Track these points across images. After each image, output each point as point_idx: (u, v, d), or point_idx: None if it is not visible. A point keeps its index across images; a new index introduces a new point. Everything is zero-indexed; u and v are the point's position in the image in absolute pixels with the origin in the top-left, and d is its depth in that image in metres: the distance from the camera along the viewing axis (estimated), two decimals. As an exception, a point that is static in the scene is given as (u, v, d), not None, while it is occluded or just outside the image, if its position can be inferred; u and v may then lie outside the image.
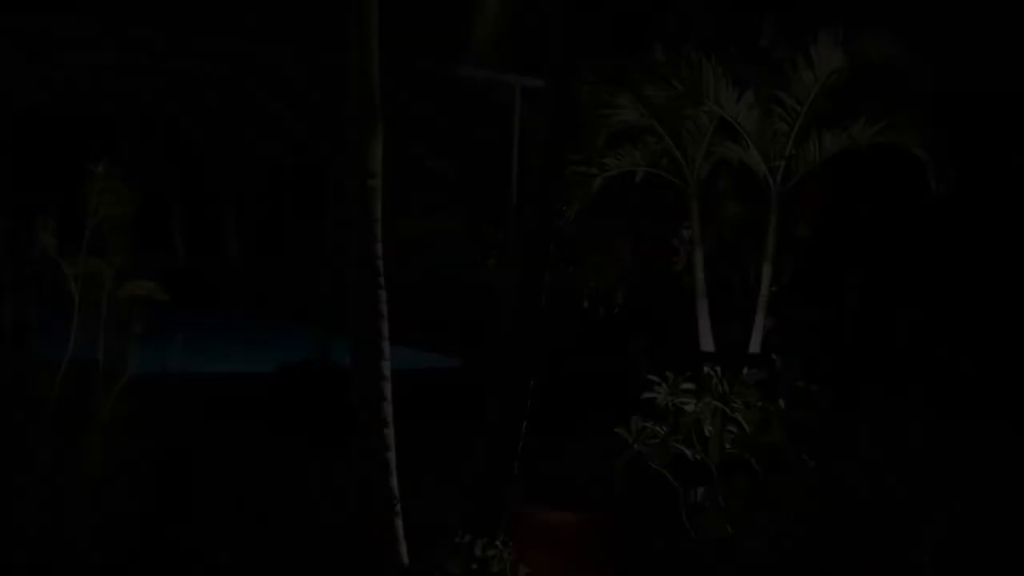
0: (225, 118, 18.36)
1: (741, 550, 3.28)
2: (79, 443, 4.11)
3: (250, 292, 20.85)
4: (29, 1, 10.34)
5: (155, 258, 4.54)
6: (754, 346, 9.97)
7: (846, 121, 9.54)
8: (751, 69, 9.82)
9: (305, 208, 18.81)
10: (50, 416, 4.07)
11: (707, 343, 10.28)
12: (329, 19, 11.58)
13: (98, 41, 12.28)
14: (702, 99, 9.58)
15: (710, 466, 3.50)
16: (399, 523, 4.44)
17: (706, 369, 3.56)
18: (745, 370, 3.57)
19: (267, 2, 12.43)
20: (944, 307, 11.45)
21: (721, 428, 3.46)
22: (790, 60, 9.55)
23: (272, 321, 18.44)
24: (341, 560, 4.18)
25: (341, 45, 4.89)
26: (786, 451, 3.41)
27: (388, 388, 4.52)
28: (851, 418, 3.63)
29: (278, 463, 7.48)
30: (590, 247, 16.94)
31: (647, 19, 13.14)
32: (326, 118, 11.35)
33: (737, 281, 12.89)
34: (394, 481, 4.47)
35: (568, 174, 9.83)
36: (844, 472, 3.52)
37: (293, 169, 19.63)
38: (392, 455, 4.48)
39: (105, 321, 4.19)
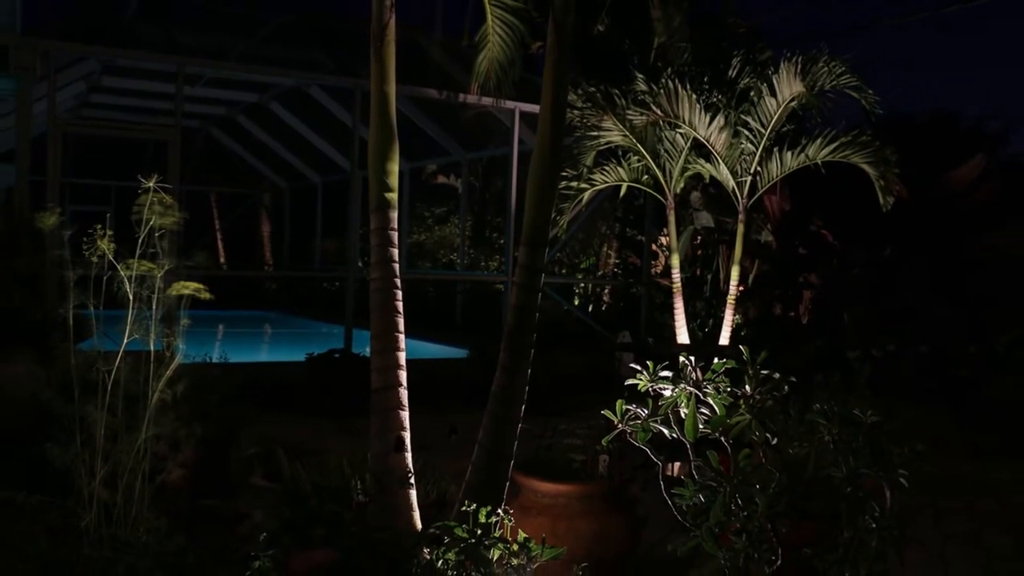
0: (259, 142, 18.41)
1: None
2: (135, 419, 4.14)
3: (284, 293, 20.89)
4: (90, 36, 10.36)
5: (200, 262, 4.55)
6: (723, 338, 10.00)
7: (803, 141, 9.57)
8: (721, 96, 9.85)
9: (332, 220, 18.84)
10: (108, 396, 4.10)
11: (683, 336, 10.30)
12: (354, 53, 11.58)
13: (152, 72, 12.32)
14: (678, 122, 9.60)
15: (686, 443, 3.52)
16: (413, 493, 4.45)
17: (682, 359, 3.58)
18: (716, 359, 3.59)
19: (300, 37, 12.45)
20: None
21: (695, 410, 3.48)
22: (756, 88, 9.57)
23: (303, 318, 18.48)
24: (361, 525, 4.19)
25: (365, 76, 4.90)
26: (751, 430, 3.43)
27: (403, 375, 4.54)
28: (806, 400, 3.66)
29: (306, 437, 7.51)
30: (580, 251, 16.99)
31: (630, 51, 13.16)
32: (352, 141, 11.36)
33: (708, 282, 12.91)
34: (408, 456, 4.49)
35: (561, 188, 9.86)
36: (800, 448, 3.55)
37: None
38: (407, 434, 4.50)
39: (156, 317, 4.22)
